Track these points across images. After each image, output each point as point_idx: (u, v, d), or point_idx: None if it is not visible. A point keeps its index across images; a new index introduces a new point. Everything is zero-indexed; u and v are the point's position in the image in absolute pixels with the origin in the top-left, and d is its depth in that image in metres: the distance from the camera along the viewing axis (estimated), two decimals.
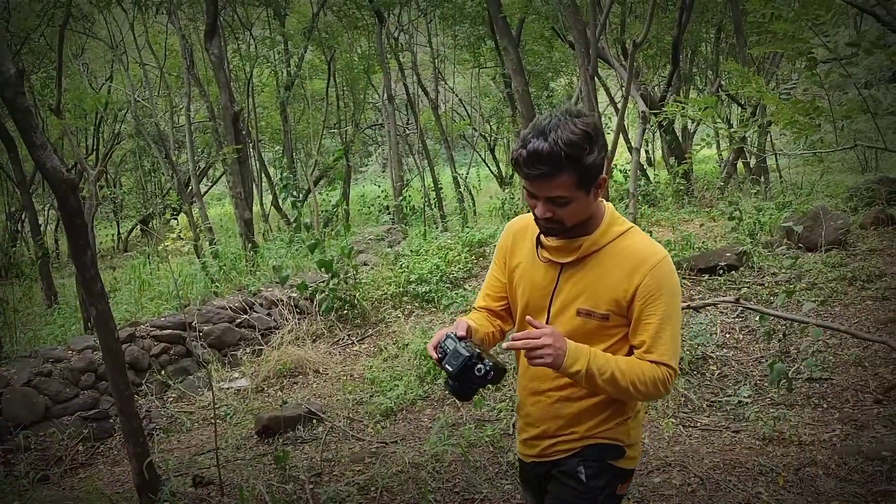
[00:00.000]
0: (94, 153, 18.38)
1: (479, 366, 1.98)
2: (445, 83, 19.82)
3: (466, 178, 18.33)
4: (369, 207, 18.09)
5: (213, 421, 5.44)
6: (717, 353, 5.71)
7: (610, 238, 2.12)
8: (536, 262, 2.22)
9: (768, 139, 11.93)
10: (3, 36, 3.77)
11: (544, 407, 2.25)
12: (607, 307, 2.10)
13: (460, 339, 2.05)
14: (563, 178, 1.93)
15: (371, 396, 5.93)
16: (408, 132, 20.05)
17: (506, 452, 4.60)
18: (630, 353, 2.13)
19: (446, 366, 2.01)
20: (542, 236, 2.20)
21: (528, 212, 2.27)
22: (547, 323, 2.16)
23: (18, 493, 4.83)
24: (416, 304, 7.77)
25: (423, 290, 7.79)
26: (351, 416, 5.64)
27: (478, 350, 2.02)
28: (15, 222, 18.21)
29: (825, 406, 4.85)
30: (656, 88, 15.32)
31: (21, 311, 10.50)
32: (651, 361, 2.07)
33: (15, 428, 5.36)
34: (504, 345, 2.04)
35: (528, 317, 2.08)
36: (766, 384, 5.17)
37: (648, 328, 2.07)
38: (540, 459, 2.30)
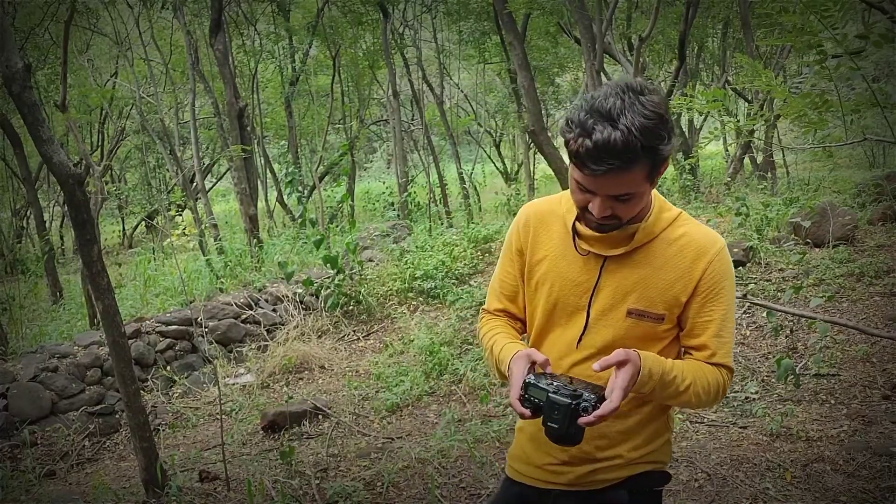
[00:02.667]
0: (99, 149, 18.41)
1: (584, 404, 1.61)
2: (450, 79, 19.78)
3: (471, 174, 18.31)
4: (374, 203, 18.12)
5: (218, 416, 5.44)
6: None
7: (662, 226, 1.81)
8: (570, 254, 1.86)
9: (775, 135, 11.89)
10: (9, 31, 3.76)
11: None
12: (665, 306, 1.79)
13: (540, 376, 1.70)
14: (635, 172, 1.60)
15: (377, 392, 5.93)
16: (413, 128, 20.04)
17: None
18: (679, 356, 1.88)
19: (551, 424, 1.64)
20: (577, 223, 1.85)
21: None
22: (586, 326, 1.84)
23: (25, 488, 4.84)
24: (422, 300, 7.76)
25: (429, 286, 7.78)
26: (357, 411, 5.64)
27: (571, 384, 1.67)
28: (20, 219, 18.27)
29: (833, 402, 4.83)
30: (663, 84, 15.28)
31: (27, 308, 10.54)
32: (713, 364, 1.80)
33: (21, 423, 5.38)
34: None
35: (596, 365, 1.63)
36: (773, 380, 5.16)
37: (710, 326, 1.80)
38: (571, 489, 1.91)
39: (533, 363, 1.75)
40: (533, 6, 11.17)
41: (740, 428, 4.63)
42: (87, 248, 3.97)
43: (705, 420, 4.79)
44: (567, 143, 1.64)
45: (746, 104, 13.55)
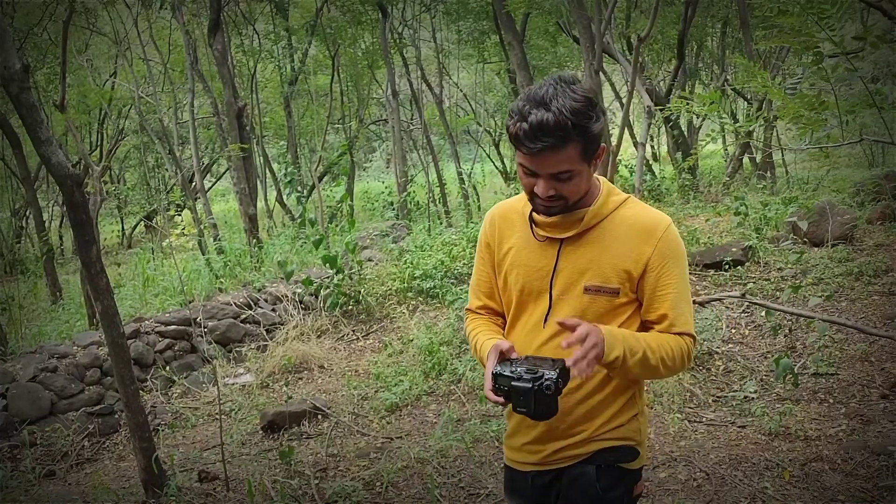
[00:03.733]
0: (99, 149, 18.40)
1: (546, 383, 1.77)
2: (450, 78, 19.77)
3: (471, 173, 18.30)
4: (373, 203, 18.10)
5: (218, 416, 5.44)
6: (723, 349, 5.70)
7: (611, 208, 1.99)
8: (531, 242, 2.04)
9: (774, 134, 11.90)
10: (7, 32, 3.76)
11: None
12: (618, 280, 1.94)
13: (505, 364, 1.86)
14: (569, 150, 1.79)
15: (376, 392, 5.94)
16: (412, 128, 20.03)
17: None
18: (642, 330, 2.01)
19: (521, 409, 1.82)
20: (534, 213, 2.03)
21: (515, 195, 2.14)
22: (550, 307, 2.00)
23: (24, 488, 4.85)
24: (421, 300, 7.77)
25: (428, 285, 7.79)
26: (356, 411, 5.64)
27: (532, 367, 1.82)
28: (20, 219, 18.27)
29: (831, 401, 4.83)
30: (662, 83, 15.29)
31: (26, 308, 10.55)
32: (675, 334, 1.95)
33: (21, 423, 5.38)
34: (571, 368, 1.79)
35: (559, 320, 1.85)
36: (771, 379, 5.16)
37: (667, 299, 1.95)
38: (543, 468, 2.06)
39: (501, 353, 1.91)
40: (532, 6, 11.17)
41: (739, 427, 4.64)
42: (86, 248, 3.98)
43: (704, 419, 4.80)
44: (508, 130, 1.84)
45: (746, 104, 13.56)
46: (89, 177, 10.71)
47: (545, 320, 2.01)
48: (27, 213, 17.09)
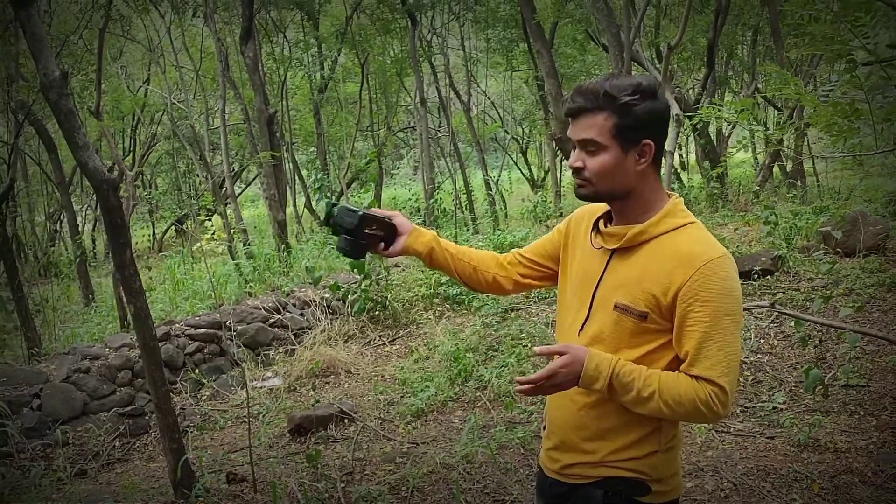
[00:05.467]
0: (132, 155, 18.69)
1: (336, 211, 2.12)
2: (478, 86, 19.82)
3: (498, 181, 18.31)
4: (401, 210, 18.14)
5: (246, 419, 5.50)
6: (752, 359, 5.65)
7: (663, 230, 1.88)
8: (589, 248, 2.03)
9: (805, 142, 11.77)
10: (46, 39, 3.85)
11: (568, 413, 1.99)
12: (645, 304, 1.84)
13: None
14: (598, 118, 1.81)
15: (402, 397, 5.96)
16: (439, 135, 20.10)
17: (536, 455, 4.58)
18: (675, 364, 1.90)
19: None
20: (599, 222, 2.03)
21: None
22: (588, 317, 1.97)
23: (57, 486, 4.93)
24: (448, 306, 7.79)
25: (454, 291, 7.81)
26: (382, 416, 5.67)
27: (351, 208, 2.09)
28: (54, 222, 18.60)
29: (862, 413, 4.77)
30: (691, 91, 15.21)
31: (59, 310, 10.73)
32: (693, 377, 1.80)
33: (54, 423, 5.47)
34: (519, 388, 1.86)
35: (537, 348, 1.86)
36: (801, 390, 5.10)
37: (692, 337, 1.80)
38: (559, 478, 2.04)
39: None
40: (561, 14, 11.18)
41: (767, 438, 4.59)
42: (121, 251, 4.05)
43: (731, 430, 4.76)
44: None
45: (776, 112, 13.43)
46: (123, 182, 10.89)
47: (581, 329, 1.98)
48: (61, 216, 17.39)
